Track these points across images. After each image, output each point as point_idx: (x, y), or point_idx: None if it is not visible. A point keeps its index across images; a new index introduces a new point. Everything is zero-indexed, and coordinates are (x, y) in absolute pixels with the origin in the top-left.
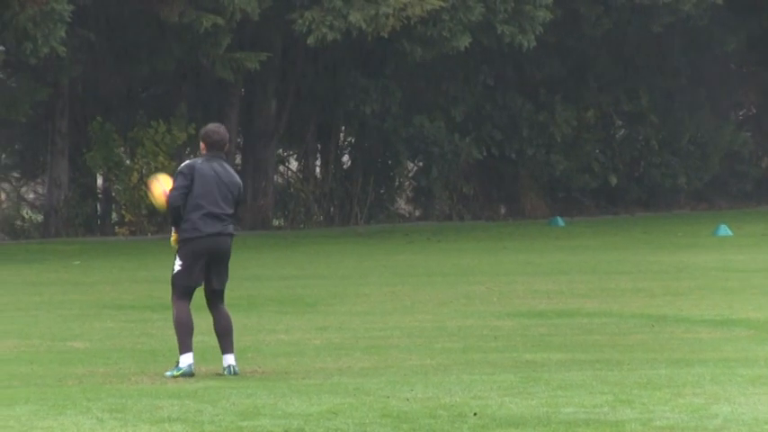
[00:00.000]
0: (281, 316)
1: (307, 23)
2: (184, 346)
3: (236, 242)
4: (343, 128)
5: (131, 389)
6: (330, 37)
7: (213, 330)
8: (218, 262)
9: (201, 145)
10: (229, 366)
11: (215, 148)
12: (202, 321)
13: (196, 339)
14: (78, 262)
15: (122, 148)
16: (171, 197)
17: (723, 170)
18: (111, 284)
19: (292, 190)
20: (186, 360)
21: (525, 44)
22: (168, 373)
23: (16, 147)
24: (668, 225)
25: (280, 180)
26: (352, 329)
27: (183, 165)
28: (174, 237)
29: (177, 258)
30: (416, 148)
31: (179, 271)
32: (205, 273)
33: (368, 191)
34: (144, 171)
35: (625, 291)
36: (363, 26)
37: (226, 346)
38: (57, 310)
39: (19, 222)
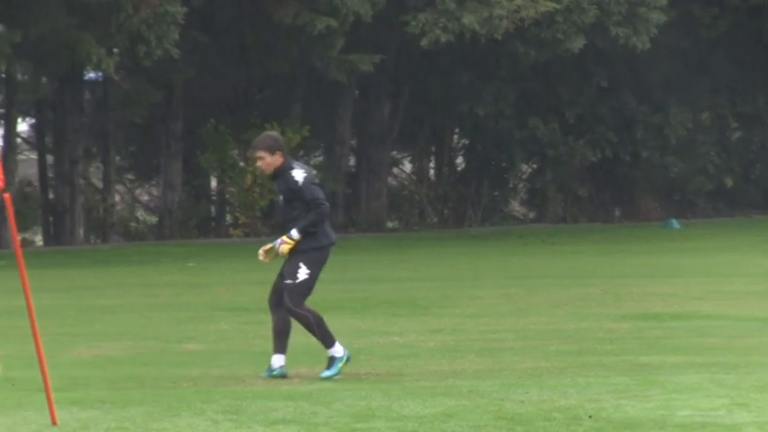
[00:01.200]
0: (395, 318)
1: (420, 25)
2: (332, 337)
3: (349, 244)
4: (456, 130)
5: (246, 391)
6: (443, 39)
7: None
8: None
9: (280, 154)
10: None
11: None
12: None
13: (302, 341)
14: (192, 264)
15: (236, 150)
16: (326, 207)
17: None
18: (225, 286)
19: (406, 192)
20: (340, 347)
21: (639, 46)
22: (328, 373)
23: (130, 149)
24: None
25: (393, 182)
26: (466, 332)
27: (310, 175)
28: (288, 246)
29: (304, 266)
30: (530, 150)
31: (307, 279)
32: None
33: (482, 193)
34: (257, 173)
35: (741, 293)
36: (477, 28)
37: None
38: (171, 311)
39: (133, 224)
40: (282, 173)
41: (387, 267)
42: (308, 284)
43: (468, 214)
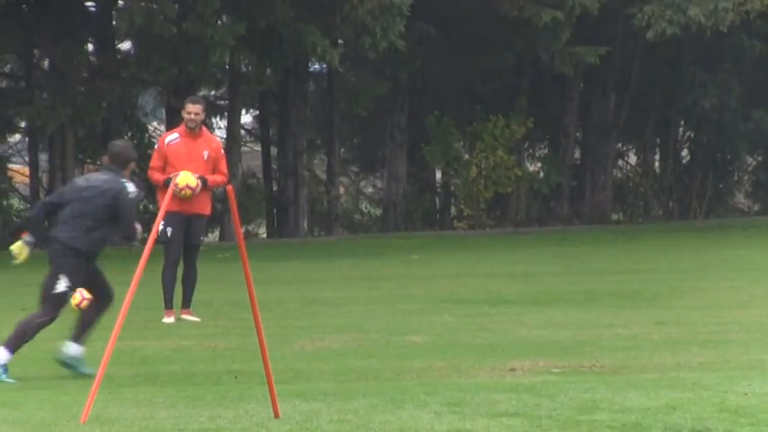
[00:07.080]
0: (620, 310)
1: (646, 18)
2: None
3: (574, 236)
4: (681, 122)
5: (469, 383)
6: (669, 31)
7: None
8: None
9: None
10: None
11: None
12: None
13: (538, 334)
14: (417, 256)
15: (461, 143)
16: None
17: None
18: (450, 279)
19: (631, 184)
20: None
21: None
22: None
23: (355, 141)
24: None
25: (618, 174)
26: (690, 324)
27: None
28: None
29: None
30: (755, 142)
31: None
32: None
33: (707, 185)
34: (482, 165)
35: None
36: (703, 20)
37: None
38: (395, 304)
39: (358, 216)
40: None
41: (611, 259)
42: None
43: (693, 206)
